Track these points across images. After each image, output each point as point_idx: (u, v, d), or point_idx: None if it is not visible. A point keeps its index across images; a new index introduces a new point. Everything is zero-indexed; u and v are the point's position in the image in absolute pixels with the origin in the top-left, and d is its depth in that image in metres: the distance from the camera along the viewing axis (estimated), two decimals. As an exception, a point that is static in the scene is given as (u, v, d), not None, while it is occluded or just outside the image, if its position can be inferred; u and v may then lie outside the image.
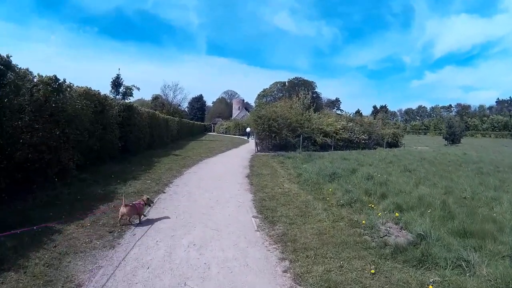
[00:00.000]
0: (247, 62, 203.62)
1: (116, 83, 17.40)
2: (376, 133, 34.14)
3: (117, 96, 17.09)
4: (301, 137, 24.28)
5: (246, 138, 46.70)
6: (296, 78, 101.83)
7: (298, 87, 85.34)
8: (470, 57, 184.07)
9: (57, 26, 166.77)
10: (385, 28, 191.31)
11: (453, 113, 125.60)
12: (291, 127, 23.92)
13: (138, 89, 18.16)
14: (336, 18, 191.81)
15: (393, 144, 37.65)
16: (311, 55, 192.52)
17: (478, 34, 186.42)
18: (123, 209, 5.71)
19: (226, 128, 67.28)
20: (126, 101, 17.30)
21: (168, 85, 39.23)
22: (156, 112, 23.10)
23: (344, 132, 29.06)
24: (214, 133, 69.74)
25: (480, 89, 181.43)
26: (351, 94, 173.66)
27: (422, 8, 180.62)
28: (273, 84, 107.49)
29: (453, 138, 52.36)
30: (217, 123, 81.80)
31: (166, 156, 16.87)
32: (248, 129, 49.06)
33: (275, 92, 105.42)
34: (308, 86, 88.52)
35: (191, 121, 52.47)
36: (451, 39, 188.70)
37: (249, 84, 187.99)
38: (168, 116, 28.82)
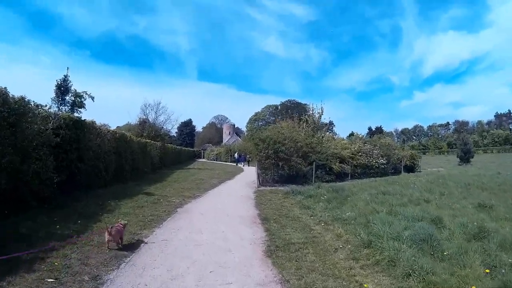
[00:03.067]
0: (236, 87, 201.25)
1: (62, 89, 12.14)
2: (395, 156, 29.54)
3: (61, 108, 11.75)
4: (313, 165, 19.18)
5: (235, 164, 43.14)
6: (289, 101, 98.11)
7: (291, 110, 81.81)
8: (458, 74, 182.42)
9: (49, 48, 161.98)
10: (373, 48, 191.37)
11: (450, 130, 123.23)
12: (301, 152, 18.81)
13: (93, 98, 12.84)
14: (325, 40, 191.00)
15: (411, 167, 33.14)
16: (300, 78, 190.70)
17: (465, 50, 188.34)
18: (107, 235, 5.75)
19: (216, 154, 62.18)
20: (75, 114, 11.86)
21: (149, 104, 33.83)
22: (128, 134, 17.82)
23: (361, 156, 24.14)
24: (204, 160, 64.48)
25: (469, 105, 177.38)
26: (342, 117, 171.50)
27: (410, 27, 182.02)
28: (265, 107, 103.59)
29: (468, 156, 48.40)
30: (207, 149, 76.59)
31: (131, 197, 11.48)
32: (236, 155, 44.63)
33: (267, 115, 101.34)
34: (301, 109, 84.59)
35: (177, 147, 46.98)
36: (439, 57, 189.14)
37: (239, 109, 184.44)
38: (147, 140, 23.51)
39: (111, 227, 5.89)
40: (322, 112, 23.75)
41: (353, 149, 23.92)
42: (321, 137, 22.03)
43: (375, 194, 13.67)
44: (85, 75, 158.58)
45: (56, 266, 4.76)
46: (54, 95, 12.08)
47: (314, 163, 19.26)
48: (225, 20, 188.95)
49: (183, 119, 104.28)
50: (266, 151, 17.06)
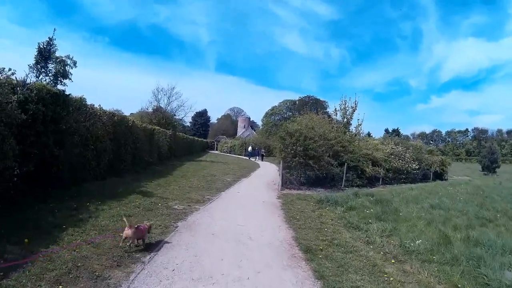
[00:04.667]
0: (254, 81, 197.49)
1: (44, 55, 9.43)
2: (426, 161, 26.50)
3: (42, 79, 9.08)
4: (345, 167, 16.20)
5: (248, 158, 40.68)
6: (308, 97, 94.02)
7: (309, 106, 78.16)
8: (476, 82, 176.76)
9: (68, 34, 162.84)
10: (393, 50, 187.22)
11: (469, 137, 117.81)
12: (332, 151, 15.84)
13: (75, 63, 10.08)
14: (345, 40, 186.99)
15: (440, 174, 29.97)
16: (318, 76, 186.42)
17: (484, 58, 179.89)
18: (127, 230, 5.20)
19: (230, 147, 59.41)
20: (58, 87, 9.21)
21: (162, 88, 30.88)
22: (131, 118, 15.18)
23: (394, 159, 21.04)
24: (216, 152, 61.86)
25: (485, 113, 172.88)
26: (357, 117, 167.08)
27: (430, 31, 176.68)
28: (282, 102, 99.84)
29: (495, 166, 44.67)
30: (220, 141, 73.93)
31: (122, 198, 8.77)
32: (249, 148, 42.09)
33: (284, 110, 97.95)
34: (319, 105, 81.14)
35: (190, 137, 44.33)
36: (458, 63, 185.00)
37: (255, 103, 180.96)
38: (154, 127, 20.86)
39: (135, 226, 5.40)
40: (356, 106, 20.53)
41: (386, 151, 20.85)
42: (354, 135, 18.92)
43: (426, 209, 11.17)
44: (103, 61, 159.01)
45: None
46: (34, 62, 9.37)
47: (345, 164, 16.30)
48: (247, 13, 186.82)
49: (198, 109, 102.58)
50: (294, 147, 14.10)
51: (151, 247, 5.43)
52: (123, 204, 8.04)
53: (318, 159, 14.46)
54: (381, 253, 6.11)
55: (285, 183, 14.31)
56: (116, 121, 12.63)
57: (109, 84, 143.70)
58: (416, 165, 23.38)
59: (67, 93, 9.34)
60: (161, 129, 22.97)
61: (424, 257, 5.96)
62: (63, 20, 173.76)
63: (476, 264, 5.52)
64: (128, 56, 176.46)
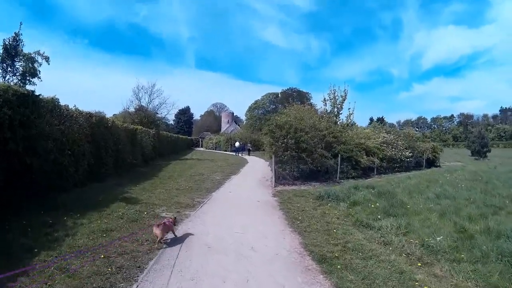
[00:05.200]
0: (235, 76, 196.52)
1: (10, 52, 8.41)
2: (418, 148, 26.43)
3: (8, 79, 8.12)
4: (339, 158, 15.71)
5: (235, 154, 39.76)
6: (290, 89, 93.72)
7: (292, 99, 77.52)
8: (457, 68, 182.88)
9: (46, 37, 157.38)
10: (373, 40, 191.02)
11: (455, 123, 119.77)
12: (324, 142, 15.30)
13: (48, 59, 9.11)
14: (325, 31, 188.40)
15: (432, 161, 30.00)
16: (300, 69, 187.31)
17: (466, 45, 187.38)
18: (155, 230, 5.56)
19: (215, 143, 58.48)
20: (28, 87, 8.27)
21: (142, 86, 29.61)
22: (111, 118, 14.24)
23: (387, 148, 20.71)
24: (202, 149, 60.84)
25: (467, 99, 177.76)
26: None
27: (410, 20, 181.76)
28: (265, 95, 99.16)
29: (486, 150, 45.29)
30: (205, 138, 72.78)
31: (103, 207, 7.95)
32: (237, 144, 41.37)
33: (267, 104, 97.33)
34: (303, 97, 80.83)
35: (174, 135, 43.12)
36: (439, 51, 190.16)
37: (237, 98, 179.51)
38: (137, 127, 19.85)
39: (161, 222, 5.73)
40: (346, 95, 19.99)
41: (378, 140, 20.48)
42: (345, 125, 18.43)
43: (432, 199, 10.61)
44: (83, 63, 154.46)
45: None
46: (-2, 61, 8.35)
47: (339, 155, 15.81)
48: (225, 9, 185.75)
49: (181, 106, 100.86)
50: (285, 140, 13.45)
51: (139, 268, 4.71)
52: (104, 215, 7.23)
53: (311, 152, 13.90)
54: (403, 255, 5.54)
55: (278, 179, 13.70)
56: (94, 122, 11.70)
57: (90, 86, 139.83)
58: (409, 153, 23.17)
59: (36, 93, 8.44)
60: (144, 128, 21.93)
61: (451, 256, 5.44)
62: (41, 22, 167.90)
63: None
64: (108, 57, 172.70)
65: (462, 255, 5.36)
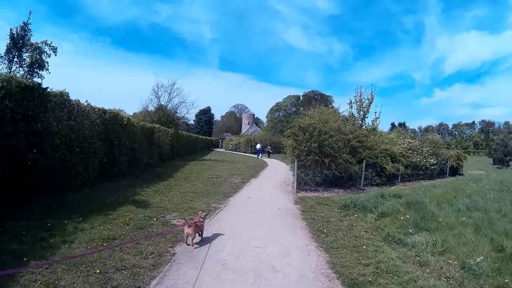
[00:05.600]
0: (257, 78, 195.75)
1: (18, 42, 7.92)
2: (442, 155, 25.02)
3: (15, 70, 7.62)
4: (364, 164, 14.63)
5: (257, 156, 38.91)
6: (312, 91, 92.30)
7: (315, 101, 75.94)
8: (479, 74, 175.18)
9: (69, 35, 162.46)
10: (395, 44, 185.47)
11: (476, 130, 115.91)
12: (349, 146, 14.26)
13: (55, 50, 8.55)
14: (348, 35, 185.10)
15: (456, 169, 28.56)
16: (321, 72, 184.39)
17: (487, 51, 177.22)
18: (187, 229, 5.46)
19: (235, 145, 57.86)
20: (35, 79, 7.70)
21: (162, 85, 29.15)
22: (126, 115, 13.74)
23: (412, 154, 19.45)
24: (221, 150, 60.36)
25: (488, 106, 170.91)
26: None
27: (433, 25, 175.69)
28: (286, 97, 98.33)
29: (509, 159, 42.84)
30: (225, 139, 72.42)
31: (110, 211, 7.28)
32: (258, 146, 40.65)
33: (288, 106, 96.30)
34: (325, 100, 79.13)
35: (193, 135, 42.74)
36: (461, 56, 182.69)
37: (259, 100, 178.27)
38: (154, 125, 19.37)
39: (192, 222, 5.67)
40: (373, 98, 18.75)
41: (403, 145, 19.21)
42: (371, 129, 17.27)
43: (463, 211, 9.49)
44: (105, 62, 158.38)
45: None
46: (5, 51, 7.89)
47: (364, 161, 14.73)
48: (249, 10, 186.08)
49: (202, 106, 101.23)
50: (308, 144, 12.50)
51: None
52: (109, 220, 6.54)
53: (335, 157, 12.86)
54: (442, 279, 4.62)
55: (300, 184, 12.74)
56: (107, 119, 11.14)
57: (111, 85, 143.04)
58: (433, 160, 21.86)
59: (44, 86, 7.89)
60: (162, 127, 21.46)
61: (494, 281, 4.53)
62: (63, 20, 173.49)
63: None
64: (130, 56, 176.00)
65: (506, 279, 4.44)
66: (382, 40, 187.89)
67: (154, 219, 6.90)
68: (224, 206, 9.01)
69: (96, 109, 10.56)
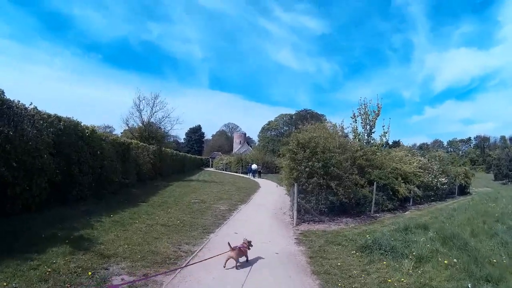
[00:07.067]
0: (248, 97, 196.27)
1: None
2: (452, 173, 23.51)
3: None
4: (374, 186, 12.55)
5: (250, 177, 36.67)
6: (305, 110, 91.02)
7: (307, 120, 74.29)
8: (469, 91, 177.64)
9: (61, 50, 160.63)
10: (384, 63, 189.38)
11: (471, 146, 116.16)
12: (356, 165, 12.23)
13: None
14: (337, 54, 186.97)
15: (464, 187, 27.22)
16: (311, 91, 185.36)
17: (477, 67, 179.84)
18: (231, 253, 5.52)
19: (226, 164, 55.54)
20: None
21: (144, 97, 26.68)
22: (90, 126, 11.53)
23: (423, 173, 17.58)
24: (212, 169, 57.90)
25: (480, 122, 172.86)
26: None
27: (421, 43, 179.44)
28: (278, 116, 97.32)
29: None
30: (215, 158, 70.14)
31: (40, 250, 5.03)
32: (254, 166, 38.38)
33: (280, 125, 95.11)
34: (318, 119, 77.77)
35: (180, 153, 40.26)
36: (450, 73, 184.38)
37: (250, 119, 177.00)
38: (131, 141, 17.11)
39: (236, 247, 5.71)
40: (379, 111, 16.84)
41: (413, 164, 17.31)
42: (379, 145, 15.30)
43: (505, 243, 7.50)
44: (96, 79, 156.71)
45: None
46: None
47: (375, 183, 12.67)
48: (239, 30, 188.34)
49: (192, 125, 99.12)
50: (310, 163, 10.33)
51: None
52: (22, 270, 4.27)
53: (342, 178, 10.74)
54: None
55: (299, 213, 10.48)
56: (61, 129, 8.93)
57: (102, 102, 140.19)
58: (444, 179, 20.08)
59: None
60: (141, 143, 19.18)
61: None
62: (55, 36, 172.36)
63: None
64: (121, 73, 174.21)
65: None
66: (370, 59, 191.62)
67: (89, 273, 4.57)
68: (199, 249, 6.61)
69: (45, 115, 8.37)
